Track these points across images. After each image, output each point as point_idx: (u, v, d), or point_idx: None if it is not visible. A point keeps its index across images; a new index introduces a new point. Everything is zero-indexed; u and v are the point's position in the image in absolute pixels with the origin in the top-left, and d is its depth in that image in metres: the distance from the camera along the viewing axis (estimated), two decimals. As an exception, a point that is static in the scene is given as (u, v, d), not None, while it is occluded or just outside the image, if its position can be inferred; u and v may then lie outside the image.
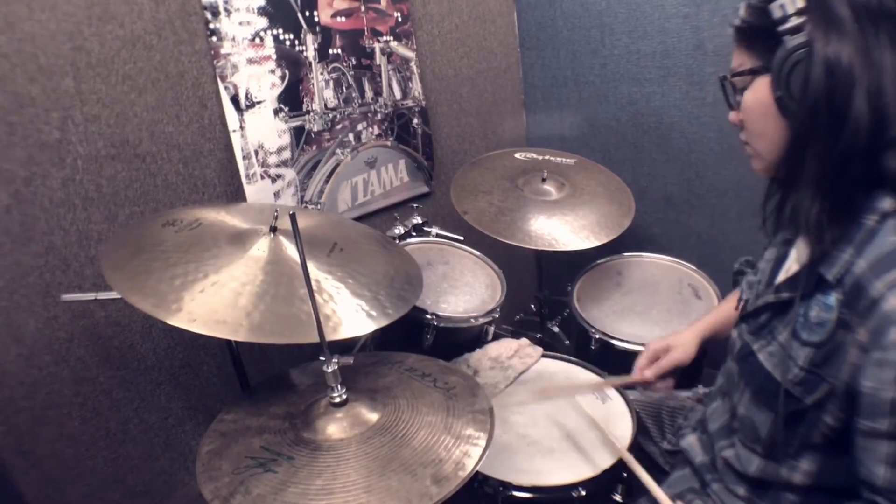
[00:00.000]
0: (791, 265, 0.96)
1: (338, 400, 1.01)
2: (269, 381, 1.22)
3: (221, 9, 1.43)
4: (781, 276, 0.97)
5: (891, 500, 0.77)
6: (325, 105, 1.70)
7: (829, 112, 0.78)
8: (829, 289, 0.82)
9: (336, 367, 0.99)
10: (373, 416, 1.00)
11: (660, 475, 1.18)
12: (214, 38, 1.43)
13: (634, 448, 1.19)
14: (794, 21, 0.79)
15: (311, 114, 1.67)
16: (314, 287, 0.98)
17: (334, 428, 0.98)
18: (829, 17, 0.77)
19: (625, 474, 1.17)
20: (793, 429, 0.88)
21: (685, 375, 1.30)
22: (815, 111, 0.79)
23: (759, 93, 0.86)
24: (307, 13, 1.61)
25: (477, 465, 0.89)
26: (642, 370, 1.28)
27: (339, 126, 1.75)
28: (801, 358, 0.85)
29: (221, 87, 1.46)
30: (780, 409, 0.88)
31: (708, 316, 1.33)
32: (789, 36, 0.79)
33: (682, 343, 1.28)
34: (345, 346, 1.22)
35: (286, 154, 1.62)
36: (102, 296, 1.19)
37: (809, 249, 0.86)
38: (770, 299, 0.94)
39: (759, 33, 0.84)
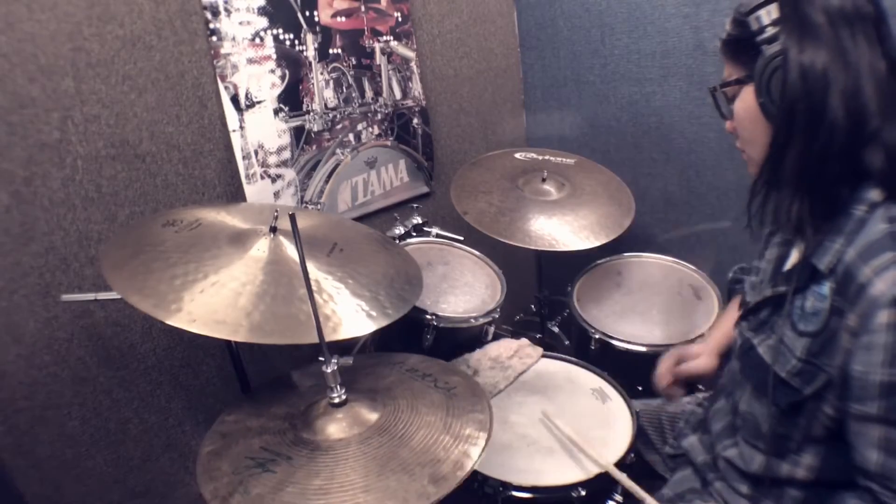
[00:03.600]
0: (792, 263, 0.97)
1: (337, 400, 1.01)
2: (271, 382, 1.22)
3: (221, 9, 1.43)
4: None
5: (883, 486, 0.78)
6: (325, 105, 1.70)
7: (806, 114, 0.82)
8: (823, 279, 0.84)
9: (335, 368, 0.99)
10: (372, 417, 1.00)
11: (660, 483, 1.18)
12: (214, 38, 1.43)
13: (634, 455, 1.19)
14: (771, 31, 0.84)
15: (311, 114, 1.67)
16: (314, 287, 0.98)
17: (333, 428, 0.98)
18: (803, 24, 0.81)
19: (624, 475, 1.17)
20: (793, 421, 0.90)
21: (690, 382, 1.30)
22: (793, 114, 0.83)
23: (746, 101, 0.90)
24: (307, 13, 1.61)
25: (474, 465, 0.89)
26: (664, 375, 1.28)
27: (339, 126, 1.75)
28: (799, 349, 0.87)
29: (221, 87, 1.46)
30: (769, 393, 0.90)
31: (717, 332, 1.33)
32: (767, 45, 0.84)
33: (707, 352, 1.27)
34: (345, 347, 1.21)
35: (286, 154, 1.62)
36: (102, 296, 1.19)
37: (802, 244, 0.89)
38: (768, 293, 0.97)
39: (742, 44, 0.88)
